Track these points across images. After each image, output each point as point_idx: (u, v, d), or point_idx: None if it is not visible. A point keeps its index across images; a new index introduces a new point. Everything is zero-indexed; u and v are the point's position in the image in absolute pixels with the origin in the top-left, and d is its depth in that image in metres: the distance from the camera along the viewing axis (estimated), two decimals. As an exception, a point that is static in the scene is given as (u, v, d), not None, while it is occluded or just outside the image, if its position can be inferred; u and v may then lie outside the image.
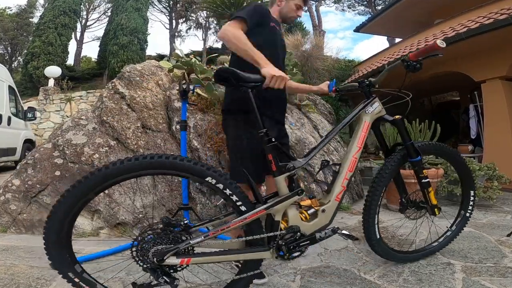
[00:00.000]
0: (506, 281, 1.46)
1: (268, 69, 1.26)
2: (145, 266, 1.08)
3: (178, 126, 2.61)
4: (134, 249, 1.09)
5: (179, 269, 1.13)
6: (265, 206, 1.20)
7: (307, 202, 1.36)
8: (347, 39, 43.89)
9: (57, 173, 2.45)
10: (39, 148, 2.61)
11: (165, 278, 1.07)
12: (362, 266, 1.70)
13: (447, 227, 1.87)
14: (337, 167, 1.46)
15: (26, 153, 5.60)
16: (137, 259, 1.09)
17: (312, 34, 10.39)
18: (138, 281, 1.12)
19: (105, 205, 2.35)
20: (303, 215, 1.32)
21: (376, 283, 1.50)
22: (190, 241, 1.11)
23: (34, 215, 2.38)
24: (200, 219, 1.34)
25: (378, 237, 1.59)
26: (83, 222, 2.36)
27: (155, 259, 1.06)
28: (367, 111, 1.54)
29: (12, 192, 2.41)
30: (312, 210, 1.34)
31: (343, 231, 1.35)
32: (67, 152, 2.51)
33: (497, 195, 3.00)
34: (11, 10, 19.79)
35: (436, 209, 1.64)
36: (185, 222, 1.13)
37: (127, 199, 2.38)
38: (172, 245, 1.09)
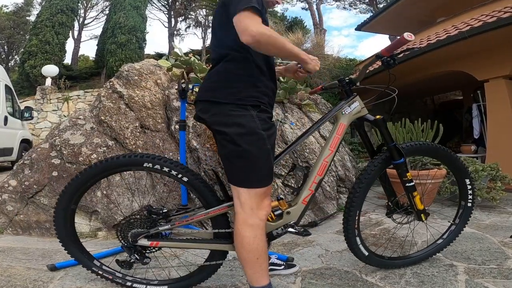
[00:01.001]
0: (509, 283, 1.46)
1: (311, 60, 1.31)
2: (124, 244, 1.34)
3: (177, 126, 2.61)
4: (119, 229, 1.34)
5: (153, 250, 1.36)
6: (228, 203, 1.31)
7: (274, 203, 1.38)
8: (352, 37, 43.84)
9: (55, 173, 2.45)
10: (36, 148, 2.61)
11: (136, 255, 1.32)
12: (363, 267, 1.70)
13: (449, 221, 1.83)
14: (307, 169, 1.46)
15: (23, 153, 5.59)
16: (120, 237, 1.34)
17: (313, 33, 10.40)
18: (121, 258, 1.37)
19: (103, 206, 2.36)
20: (269, 215, 1.34)
21: (378, 285, 1.50)
22: (159, 228, 1.32)
23: (31, 216, 2.38)
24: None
25: (367, 254, 1.55)
26: (80, 223, 2.36)
27: (130, 239, 1.31)
28: (344, 112, 1.49)
29: (8, 193, 2.42)
30: (278, 211, 1.37)
31: (289, 229, 1.35)
32: (64, 152, 2.51)
33: (500, 195, 3.00)
34: (7, 8, 19.80)
35: (422, 215, 1.57)
36: (164, 211, 1.35)
37: (125, 199, 2.38)
38: (145, 229, 1.32)
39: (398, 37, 1.28)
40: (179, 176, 1.31)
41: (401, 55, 1.53)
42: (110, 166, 1.33)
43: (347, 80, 1.55)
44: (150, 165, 1.31)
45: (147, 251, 1.36)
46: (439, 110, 8.80)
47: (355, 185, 1.51)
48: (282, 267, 1.65)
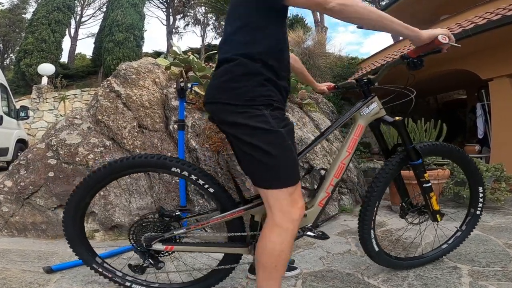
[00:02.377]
0: (514, 286, 1.46)
1: (427, 31, 1.17)
2: (137, 248, 1.32)
3: (175, 126, 2.61)
4: (131, 232, 1.31)
5: (166, 254, 1.35)
6: (244, 207, 1.30)
7: None
8: (358, 33, 43.84)
9: (51, 174, 2.45)
10: (32, 148, 2.61)
11: (150, 260, 1.30)
12: (365, 270, 1.70)
13: (456, 227, 1.85)
14: (324, 171, 1.43)
15: (19, 154, 5.58)
16: (132, 241, 1.32)
17: (314, 31, 10.40)
18: (133, 263, 1.35)
19: (100, 207, 2.35)
20: None
21: (380, 287, 1.50)
22: (174, 232, 1.30)
23: (26, 217, 2.38)
24: (197, 220, 1.41)
25: (378, 249, 1.55)
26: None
27: (144, 244, 1.29)
28: (362, 113, 1.46)
29: (4, 194, 2.41)
30: None
31: (308, 233, 1.34)
32: (61, 152, 2.51)
33: (505, 196, 3.00)
34: (3, 6, 19.79)
35: (438, 215, 1.59)
36: (177, 213, 1.33)
37: (123, 200, 2.38)
38: (160, 233, 1.30)
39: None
40: (201, 182, 1.29)
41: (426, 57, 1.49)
42: (136, 164, 1.29)
43: (365, 80, 1.52)
44: (179, 170, 1.29)
45: (160, 255, 1.35)
46: (442, 110, 8.80)
47: (373, 184, 1.52)
48: None
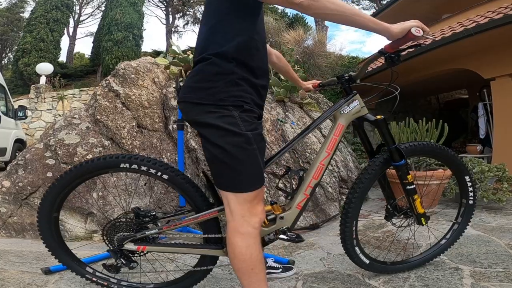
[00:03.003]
0: (516, 287, 1.46)
1: (397, 25, 1.14)
2: (110, 248, 1.32)
3: (175, 126, 2.61)
4: (104, 232, 1.31)
5: (141, 254, 1.34)
6: (219, 208, 1.28)
7: (267, 207, 1.36)
8: (361, 31, 43.71)
9: (49, 174, 2.45)
10: (30, 149, 2.62)
11: (122, 260, 1.30)
12: (366, 271, 1.70)
13: (451, 220, 1.83)
14: (302, 172, 1.40)
15: (17, 154, 5.60)
16: (106, 241, 1.32)
17: (314, 30, 10.40)
18: (108, 262, 1.35)
19: (99, 208, 2.36)
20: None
21: (381, 289, 1.50)
22: (146, 232, 1.30)
23: (25, 218, 2.38)
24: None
25: (368, 262, 1.54)
26: (75, 225, 2.36)
27: (116, 243, 1.29)
28: (342, 111, 1.43)
29: (2, 194, 2.42)
30: (271, 216, 1.34)
31: (281, 236, 1.32)
32: (59, 152, 2.51)
33: (507, 197, 3.00)
34: (1, 5, 19.80)
35: (423, 219, 1.56)
36: (153, 213, 1.33)
37: (122, 201, 2.38)
38: (132, 233, 1.30)
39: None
40: (159, 174, 1.29)
41: (405, 52, 1.47)
42: (87, 170, 1.29)
43: (346, 77, 1.49)
44: (127, 165, 1.27)
45: (135, 255, 1.35)
46: (444, 109, 8.80)
47: (352, 190, 1.48)
48: (280, 270, 1.65)
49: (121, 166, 1.28)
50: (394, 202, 1.61)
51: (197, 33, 1.24)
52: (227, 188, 1.11)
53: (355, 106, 1.45)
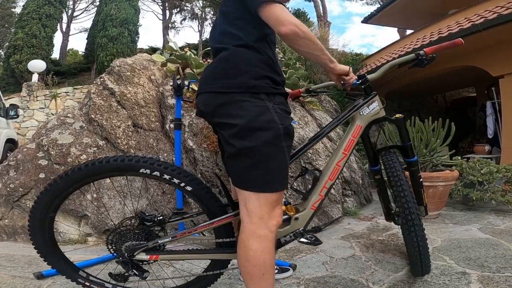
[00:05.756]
0: (526, 292, 1.46)
1: (340, 66, 1.31)
2: (117, 258, 1.25)
3: (172, 125, 2.61)
4: (109, 241, 1.24)
5: (151, 262, 1.29)
6: (234, 212, 1.27)
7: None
8: (373, 26, 43.96)
9: (42, 175, 2.45)
10: (22, 149, 2.62)
11: (134, 271, 1.25)
12: (370, 275, 1.70)
13: (457, 223, 1.85)
14: (318, 173, 1.40)
15: (8, 154, 5.60)
16: (112, 251, 1.25)
17: (317, 25, 10.41)
18: (114, 272, 1.29)
19: (93, 210, 2.36)
20: None
21: (386, 294, 1.50)
22: (158, 241, 1.25)
23: (16, 220, 2.38)
24: (195, 224, 1.39)
25: None
26: (69, 228, 2.36)
27: (126, 254, 1.23)
28: (362, 113, 1.43)
29: (-8, 196, 2.42)
30: (285, 217, 1.34)
31: (302, 239, 1.32)
32: (52, 152, 2.51)
33: (517, 199, 3.00)
34: (-9, 0, 19.80)
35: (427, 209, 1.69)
36: (159, 217, 1.27)
37: (117, 203, 2.38)
38: (143, 242, 1.24)
39: (453, 40, 1.34)
40: (182, 184, 1.24)
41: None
42: (98, 171, 1.20)
43: (367, 77, 1.48)
44: (148, 171, 1.20)
45: (144, 263, 1.30)
46: (451, 108, 8.79)
47: (402, 193, 1.49)
48: (276, 271, 1.66)
49: (141, 171, 1.21)
50: (390, 204, 1.68)
51: (215, 22, 1.27)
52: (250, 187, 1.06)
53: (374, 107, 1.46)
